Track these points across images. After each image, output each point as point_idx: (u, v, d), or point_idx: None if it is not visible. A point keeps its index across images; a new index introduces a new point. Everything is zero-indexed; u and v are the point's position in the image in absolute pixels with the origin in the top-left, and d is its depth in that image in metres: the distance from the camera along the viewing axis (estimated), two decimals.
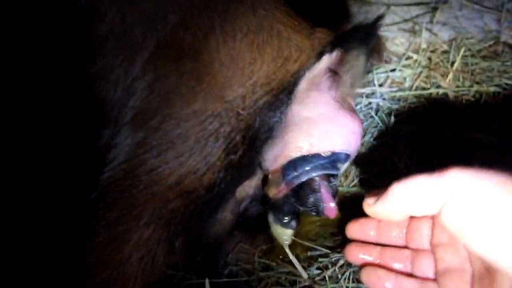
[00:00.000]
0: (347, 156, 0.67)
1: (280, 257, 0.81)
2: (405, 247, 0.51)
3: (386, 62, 1.08)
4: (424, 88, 1.02)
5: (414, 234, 0.50)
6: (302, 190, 0.66)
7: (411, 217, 0.50)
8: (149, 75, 0.60)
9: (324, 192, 0.65)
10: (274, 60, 0.63)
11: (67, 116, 0.65)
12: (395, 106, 1.02)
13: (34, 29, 0.64)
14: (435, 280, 0.47)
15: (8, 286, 0.60)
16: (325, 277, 0.71)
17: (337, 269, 0.71)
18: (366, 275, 0.52)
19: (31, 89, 0.65)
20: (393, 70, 1.07)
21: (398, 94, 1.03)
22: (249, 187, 0.76)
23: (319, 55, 0.65)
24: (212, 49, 0.62)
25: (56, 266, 0.59)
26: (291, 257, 0.71)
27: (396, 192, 0.46)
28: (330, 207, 0.65)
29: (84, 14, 0.63)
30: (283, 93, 0.63)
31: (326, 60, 0.66)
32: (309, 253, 0.79)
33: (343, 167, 0.70)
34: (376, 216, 0.50)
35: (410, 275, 0.50)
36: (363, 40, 0.64)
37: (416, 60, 1.05)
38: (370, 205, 0.49)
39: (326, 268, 0.73)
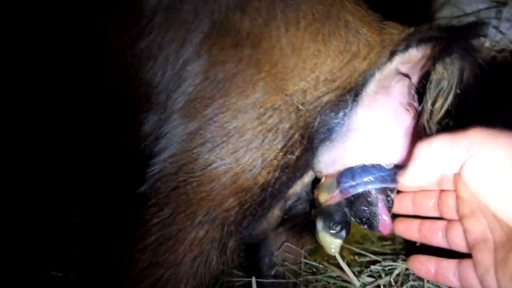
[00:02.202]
0: None
1: (326, 258, 0.77)
2: (440, 218, 0.53)
3: None
4: None
5: (443, 207, 0.51)
6: (358, 201, 0.60)
7: (442, 190, 0.51)
8: (203, 59, 0.55)
9: (381, 207, 0.59)
10: (340, 54, 0.57)
11: (111, 97, 0.62)
12: None
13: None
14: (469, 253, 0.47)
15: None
16: (379, 286, 0.66)
17: (392, 280, 0.66)
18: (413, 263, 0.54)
19: (74, 66, 0.62)
20: None
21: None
22: (297, 185, 0.71)
23: (391, 54, 0.57)
24: (273, 36, 0.57)
25: (109, 266, 0.56)
26: (342, 264, 0.67)
27: (422, 152, 0.47)
28: (386, 223, 0.59)
29: None
30: (348, 94, 0.57)
31: (398, 61, 0.58)
32: (358, 259, 0.75)
33: None
34: (409, 184, 0.51)
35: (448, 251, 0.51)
36: (458, 45, 0.53)
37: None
38: (402, 174, 0.50)
39: (380, 276, 0.69)
